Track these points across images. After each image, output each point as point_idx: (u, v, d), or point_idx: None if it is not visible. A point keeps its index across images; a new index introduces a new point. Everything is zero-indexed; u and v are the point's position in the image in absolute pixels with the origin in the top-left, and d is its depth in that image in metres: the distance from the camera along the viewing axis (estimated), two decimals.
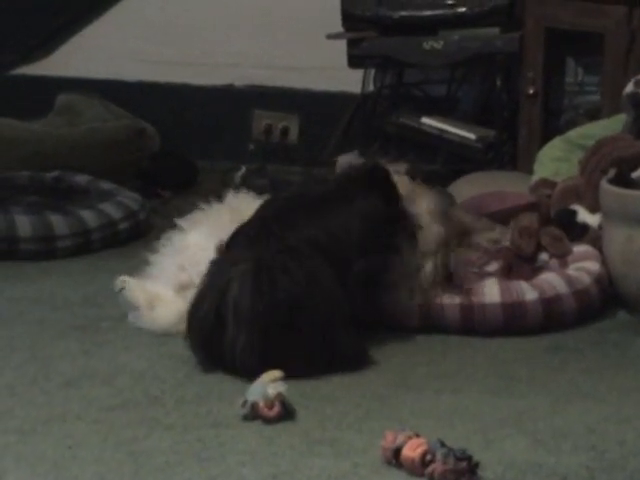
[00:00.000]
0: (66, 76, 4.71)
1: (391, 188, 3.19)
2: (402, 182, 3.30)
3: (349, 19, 4.29)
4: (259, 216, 3.14)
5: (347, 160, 3.78)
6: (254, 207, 3.22)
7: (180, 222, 3.32)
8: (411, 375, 2.92)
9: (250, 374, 2.79)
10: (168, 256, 3.27)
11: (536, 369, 2.96)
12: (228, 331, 2.91)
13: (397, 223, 3.17)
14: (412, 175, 3.51)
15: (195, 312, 3.00)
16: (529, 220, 3.40)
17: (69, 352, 3.06)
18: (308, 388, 2.80)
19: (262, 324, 2.89)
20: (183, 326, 3.07)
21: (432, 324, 3.17)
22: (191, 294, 3.08)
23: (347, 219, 3.08)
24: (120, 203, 3.94)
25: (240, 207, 3.29)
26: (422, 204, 3.27)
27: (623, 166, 3.35)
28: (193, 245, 3.24)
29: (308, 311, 2.92)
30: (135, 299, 3.19)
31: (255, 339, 2.88)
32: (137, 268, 3.30)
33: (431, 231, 3.25)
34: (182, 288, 3.19)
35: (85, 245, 3.78)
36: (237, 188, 3.64)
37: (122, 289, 3.19)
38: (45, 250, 3.72)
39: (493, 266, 3.35)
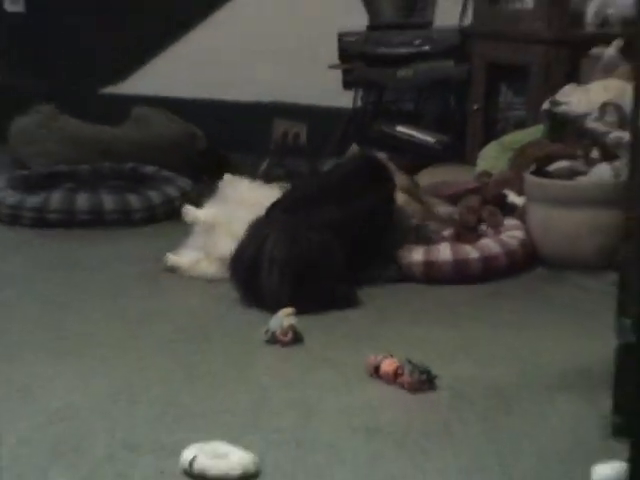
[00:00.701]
0: (139, 94, 4.70)
1: (390, 182, 3.20)
2: (400, 177, 3.33)
3: (344, 54, 4.29)
4: (292, 195, 3.14)
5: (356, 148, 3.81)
6: (259, 195, 3.23)
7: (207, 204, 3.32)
8: (388, 313, 2.92)
9: (277, 306, 2.78)
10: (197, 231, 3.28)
11: (478, 309, 2.96)
12: (263, 273, 2.91)
13: (393, 210, 3.18)
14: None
15: (238, 258, 2.99)
16: (473, 200, 3.40)
17: (140, 296, 3.06)
18: (313, 321, 2.80)
19: (290, 269, 2.89)
20: (222, 274, 3.08)
21: (404, 277, 3.17)
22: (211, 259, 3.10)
23: (357, 206, 3.08)
24: (177, 186, 3.94)
25: (249, 195, 3.29)
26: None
27: (541, 162, 3.36)
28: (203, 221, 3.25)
29: (319, 268, 2.92)
30: (179, 264, 3.20)
31: (285, 279, 2.89)
32: (186, 233, 3.31)
33: (413, 209, 3.28)
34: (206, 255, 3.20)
35: (152, 217, 3.78)
36: (260, 177, 3.64)
37: (167, 262, 3.21)
38: (124, 220, 3.72)
39: (447, 233, 3.35)
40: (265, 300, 2.88)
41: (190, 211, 3.23)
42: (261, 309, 2.87)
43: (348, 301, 2.95)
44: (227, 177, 3.36)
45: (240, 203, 3.20)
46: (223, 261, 3.11)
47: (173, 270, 3.21)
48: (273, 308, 2.78)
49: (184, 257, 3.21)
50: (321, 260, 2.93)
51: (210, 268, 3.16)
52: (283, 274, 2.88)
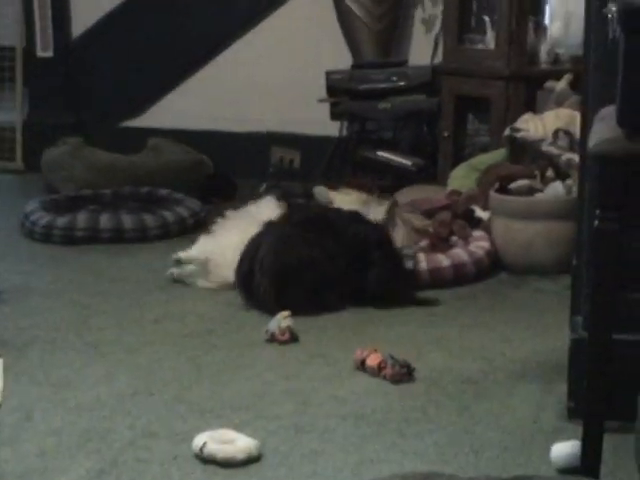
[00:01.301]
0: (153, 127, 4.68)
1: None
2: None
3: (331, 89, 4.28)
4: (287, 221, 3.11)
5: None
6: (268, 212, 3.22)
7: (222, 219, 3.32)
8: (373, 314, 2.91)
9: (267, 309, 2.78)
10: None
11: (450, 310, 2.95)
12: (256, 279, 2.91)
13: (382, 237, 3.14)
14: (371, 190, 3.55)
15: (239, 267, 2.99)
16: (445, 215, 3.40)
17: (156, 300, 3.05)
18: (308, 322, 2.79)
19: (275, 276, 2.88)
20: (224, 285, 3.06)
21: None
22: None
23: (340, 238, 3.03)
24: (187, 207, 3.92)
25: (259, 212, 3.28)
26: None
27: (503, 181, 3.36)
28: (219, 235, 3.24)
29: (304, 277, 2.90)
30: (188, 258, 3.19)
31: (271, 285, 2.88)
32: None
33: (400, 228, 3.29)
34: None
35: (166, 234, 3.75)
36: (260, 197, 3.63)
37: (176, 256, 3.20)
38: (141, 237, 3.70)
39: (423, 243, 3.35)
40: (258, 302, 2.87)
41: (182, 254, 3.17)
42: (259, 311, 2.86)
43: (336, 306, 2.91)
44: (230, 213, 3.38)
45: (261, 220, 3.18)
46: (222, 285, 3.09)
47: (179, 263, 3.16)
48: (265, 309, 2.77)
49: (186, 269, 3.18)
50: (306, 271, 2.90)
51: (205, 284, 3.14)
52: (269, 279, 2.87)
